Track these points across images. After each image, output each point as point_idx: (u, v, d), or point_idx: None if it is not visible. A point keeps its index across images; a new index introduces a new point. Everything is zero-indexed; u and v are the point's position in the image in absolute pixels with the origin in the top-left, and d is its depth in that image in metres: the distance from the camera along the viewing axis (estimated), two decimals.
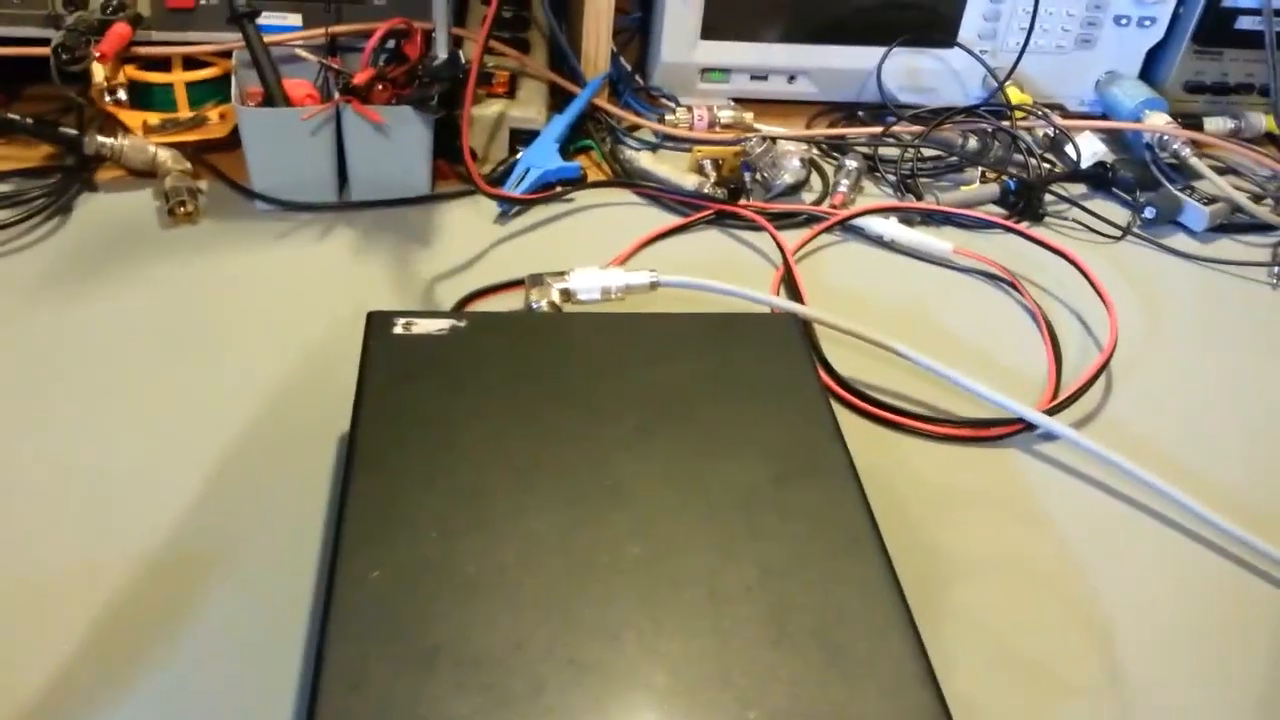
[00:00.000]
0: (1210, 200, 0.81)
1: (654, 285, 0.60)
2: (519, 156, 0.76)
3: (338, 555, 0.36)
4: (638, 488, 0.40)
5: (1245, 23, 0.91)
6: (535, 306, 0.58)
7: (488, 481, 0.39)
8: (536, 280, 0.60)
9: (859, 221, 0.74)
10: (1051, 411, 0.59)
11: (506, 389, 0.44)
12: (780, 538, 0.39)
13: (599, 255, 0.68)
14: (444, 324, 0.46)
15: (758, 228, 0.74)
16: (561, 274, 0.60)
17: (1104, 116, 0.94)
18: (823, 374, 0.53)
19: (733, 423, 0.44)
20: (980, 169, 0.84)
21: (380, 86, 0.69)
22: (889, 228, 0.73)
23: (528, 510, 0.39)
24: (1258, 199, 0.84)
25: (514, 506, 0.39)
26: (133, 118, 0.73)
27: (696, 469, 0.42)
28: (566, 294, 0.60)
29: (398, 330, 0.45)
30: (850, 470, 0.42)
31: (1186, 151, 0.84)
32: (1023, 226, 0.77)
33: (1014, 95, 0.90)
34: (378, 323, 0.46)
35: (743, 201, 0.77)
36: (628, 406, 0.44)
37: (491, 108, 0.78)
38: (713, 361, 0.47)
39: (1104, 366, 0.63)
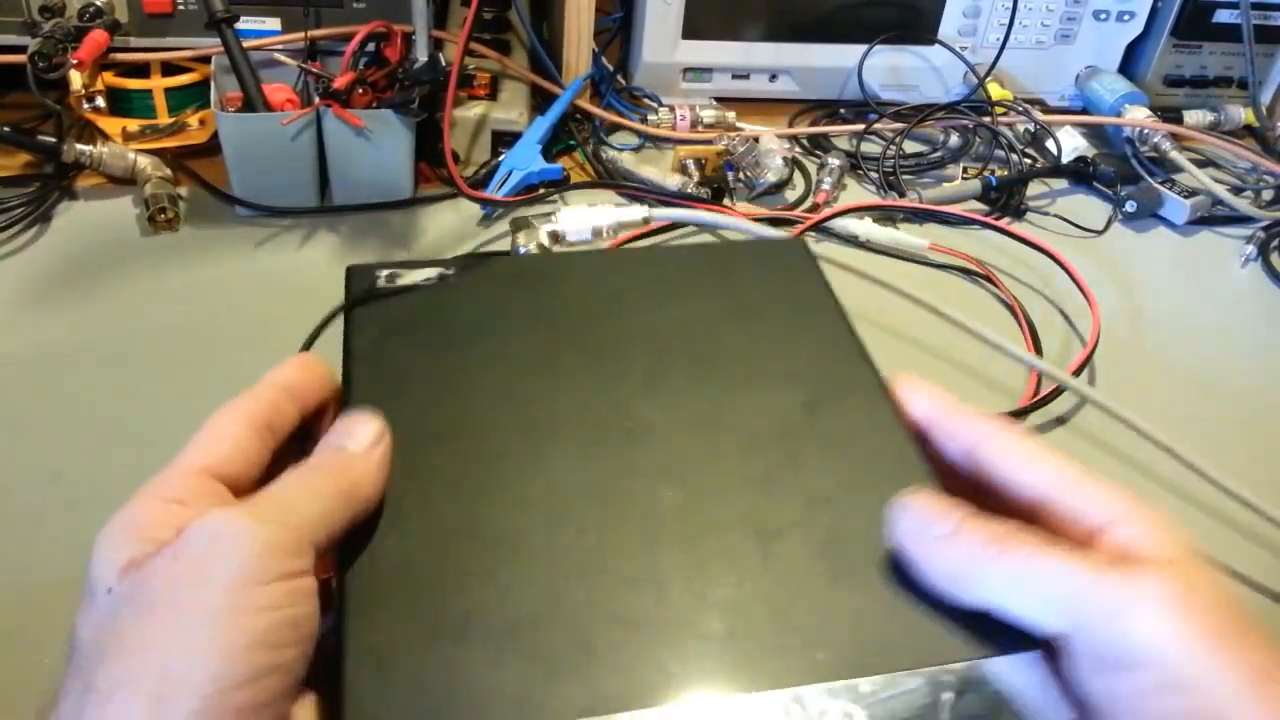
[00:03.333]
0: (1191, 193, 0.81)
1: (647, 221, 0.57)
2: (501, 158, 0.76)
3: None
4: (662, 428, 0.37)
5: (1223, 16, 0.92)
6: (522, 250, 0.55)
7: (500, 437, 0.36)
8: (521, 223, 0.57)
9: (832, 223, 0.74)
10: (1034, 407, 0.59)
11: (507, 337, 0.40)
12: (821, 466, 0.36)
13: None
14: (430, 273, 0.42)
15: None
16: (548, 214, 0.57)
17: (1084, 111, 0.94)
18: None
19: (752, 352, 0.41)
20: (962, 165, 0.85)
21: (361, 90, 0.69)
22: (863, 227, 0.73)
23: (548, 463, 0.35)
24: (1237, 191, 0.84)
25: (532, 460, 0.35)
26: (111, 125, 0.73)
27: (722, 403, 0.38)
28: (555, 236, 0.57)
29: (381, 284, 0.41)
30: (883, 389, 0.39)
31: (1167, 145, 0.85)
32: (1004, 223, 0.77)
33: (995, 91, 0.90)
34: (358, 278, 0.42)
35: (726, 201, 0.77)
36: (640, 345, 0.40)
37: (473, 110, 0.78)
38: (722, 291, 0.43)
39: (1087, 360, 0.63)
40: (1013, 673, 0.29)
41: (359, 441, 0.32)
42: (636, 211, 0.57)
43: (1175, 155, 0.84)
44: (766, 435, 0.37)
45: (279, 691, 0.26)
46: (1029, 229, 0.77)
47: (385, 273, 0.42)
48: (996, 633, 0.30)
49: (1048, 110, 0.94)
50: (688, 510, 0.34)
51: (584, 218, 0.57)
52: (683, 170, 0.78)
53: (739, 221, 0.58)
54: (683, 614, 0.31)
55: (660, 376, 0.39)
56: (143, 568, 0.28)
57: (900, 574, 0.32)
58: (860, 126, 0.87)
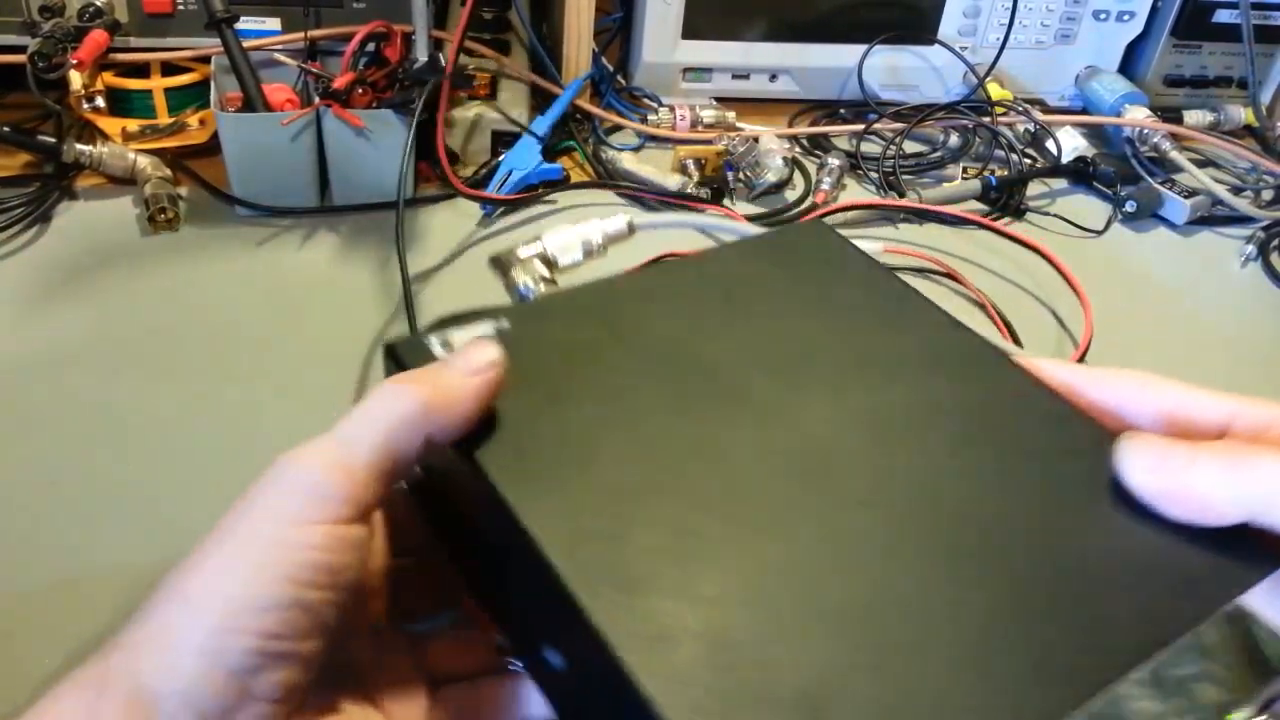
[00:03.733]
0: (1190, 193, 0.81)
1: (631, 227, 0.55)
2: (501, 158, 0.76)
3: (601, 639, 0.27)
4: (830, 445, 0.34)
5: (1223, 16, 0.92)
6: (526, 291, 0.52)
7: (682, 502, 0.31)
8: (506, 262, 0.53)
9: None
10: None
11: (618, 383, 0.35)
12: (1005, 443, 0.34)
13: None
14: (486, 329, 0.37)
15: None
16: (529, 242, 0.54)
17: (1084, 111, 0.94)
18: None
19: (859, 343, 0.38)
20: (962, 165, 0.85)
21: (360, 90, 0.69)
22: None
23: (743, 521, 0.31)
24: (1237, 191, 0.84)
25: (729, 515, 0.31)
26: (111, 125, 0.73)
27: (869, 404, 0.35)
28: (549, 262, 0.54)
29: (438, 353, 0.35)
30: (995, 349, 0.38)
31: (1167, 145, 0.85)
32: (1002, 223, 0.78)
33: (994, 91, 0.90)
34: (408, 354, 0.35)
35: (726, 202, 0.77)
36: (751, 363, 0.37)
37: (472, 109, 0.78)
38: (785, 288, 0.41)
39: (1080, 360, 0.63)
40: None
41: (465, 365, 0.31)
42: (619, 220, 0.54)
43: (1175, 155, 0.84)
44: (933, 424, 0.35)
45: (302, 629, 0.27)
46: (1025, 229, 0.77)
47: (436, 340, 0.36)
48: (1245, 553, 0.30)
49: (1048, 110, 0.94)
50: (916, 524, 0.31)
51: (572, 237, 0.53)
52: (683, 170, 0.78)
53: (727, 222, 0.56)
54: (975, 636, 0.28)
55: (797, 392, 0.36)
56: None
57: (1135, 525, 0.31)
58: (860, 126, 0.87)
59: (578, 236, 0.54)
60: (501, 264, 0.53)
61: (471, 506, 0.32)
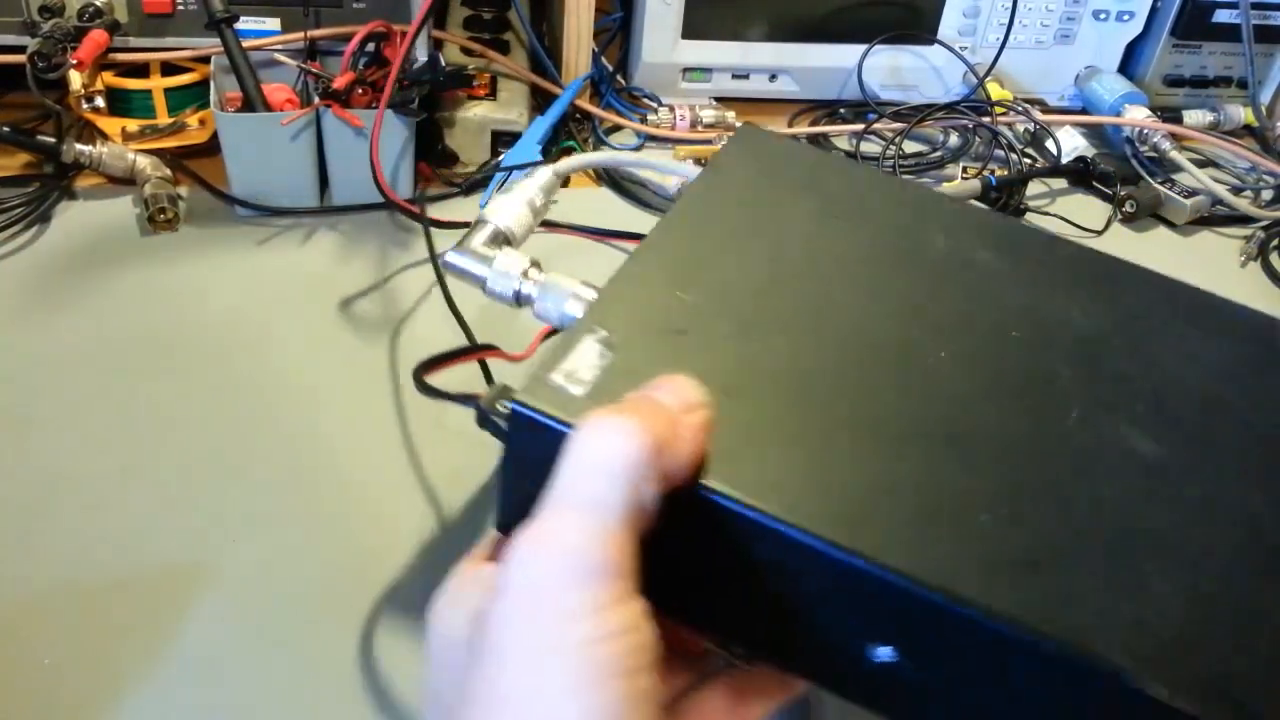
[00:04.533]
0: (1190, 193, 0.81)
1: (557, 175, 0.53)
2: (501, 158, 0.76)
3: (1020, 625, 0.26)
4: (941, 338, 0.34)
5: (1223, 16, 0.92)
6: (517, 290, 0.45)
7: (928, 452, 0.30)
8: (465, 260, 0.47)
9: None
10: None
11: (748, 359, 0.32)
12: (1086, 284, 0.39)
13: (581, 256, 0.68)
14: (594, 347, 0.32)
15: None
16: (479, 229, 0.49)
17: (1084, 111, 0.94)
18: None
19: (890, 242, 0.38)
20: (962, 165, 0.85)
21: (360, 90, 0.69)
22: None
23: (995, 442, 0.30)
24: (1237, 191, 0.84)
25: (975, 450, 0.30)
26: (111, 125, 0.73)
27: (973, 311, 0.36)
28: (505, 239, 0.49)
29: (576, 391, 0.30)
30: (1037, 229, 0.40)
31: (1166, 145, 0.85)
32: None
33: (994, 91, 0.90)
34: (543, 401, 0.29)
35: None
36: (851, 295, 0.35)
37: (472, 110, 0.78)
38: (791, 202, 0.39)
39: None
40: None
41: (676, 400, 0.28)
42: (544, 172, 0.52)
43: (1175, 155, 0.84)
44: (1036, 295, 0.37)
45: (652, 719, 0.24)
46: None
47: (560, 378, 0.30)
48: None
49: (1047, 110, 0.94)
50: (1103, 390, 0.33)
51: (513, 204, 0.50)
52: None
53: (643, 159, 0.56)
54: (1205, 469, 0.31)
55: (882, 292, 0.35)
56: (483, 614, 0.25)
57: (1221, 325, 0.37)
58: (860, 126, 0.87)
59: (520, 200, 0.50)
60: (459, 261, 0.47)
61: (706, 541, 0.29)
